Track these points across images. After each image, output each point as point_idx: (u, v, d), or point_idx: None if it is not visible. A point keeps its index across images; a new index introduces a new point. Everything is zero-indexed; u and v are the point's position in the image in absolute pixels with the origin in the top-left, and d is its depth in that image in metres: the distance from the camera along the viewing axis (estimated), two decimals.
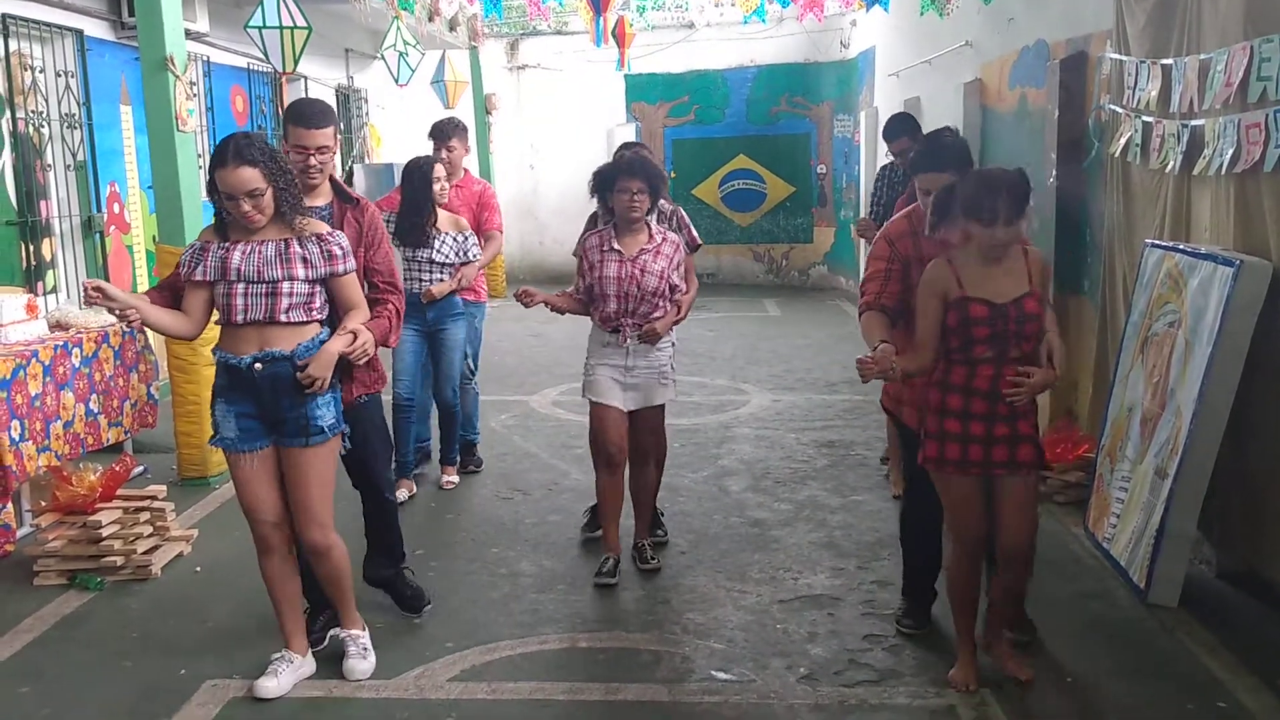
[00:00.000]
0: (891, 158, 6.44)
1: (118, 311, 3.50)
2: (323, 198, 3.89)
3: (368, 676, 3.83)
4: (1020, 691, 3.65)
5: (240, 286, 3.46)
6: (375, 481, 4.18)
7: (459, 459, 6.28)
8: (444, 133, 6.30)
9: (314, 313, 3.55)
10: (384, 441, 4.27)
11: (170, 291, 3.72)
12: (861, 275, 8.31)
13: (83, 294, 3.52)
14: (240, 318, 3.48)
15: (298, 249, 3.49)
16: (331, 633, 4.06)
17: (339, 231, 3.64)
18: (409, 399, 5.92)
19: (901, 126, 6.23)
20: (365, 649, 3.89)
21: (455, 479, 6.15)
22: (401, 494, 5.71)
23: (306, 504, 3.63)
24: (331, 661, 3.93)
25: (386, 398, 4.41)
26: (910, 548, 4.23)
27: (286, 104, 10.81)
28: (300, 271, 3.48)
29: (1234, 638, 4.00)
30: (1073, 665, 3.87)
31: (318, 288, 3.54)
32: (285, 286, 3.46)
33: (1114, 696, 3.67)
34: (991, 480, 3.61)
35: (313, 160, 3.80)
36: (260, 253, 3.47)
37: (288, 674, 3.73)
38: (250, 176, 3.39)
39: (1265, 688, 3.62)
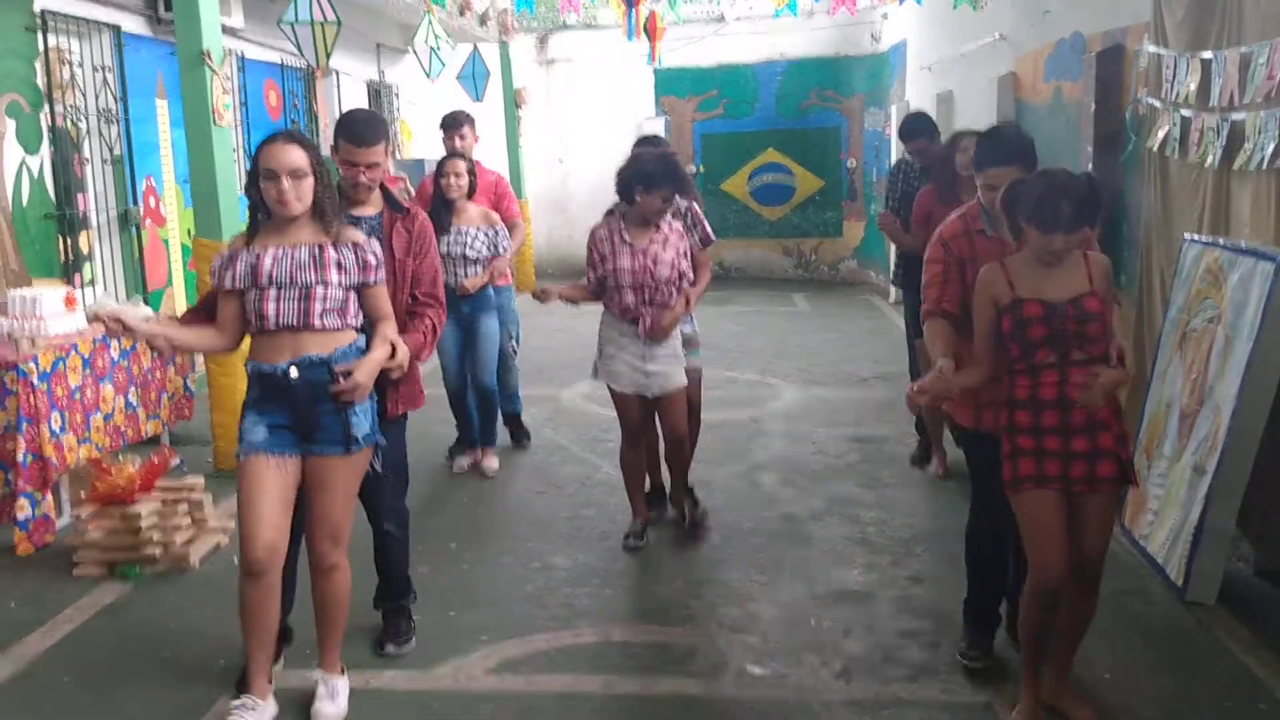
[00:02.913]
0: (905, 158, 6.43)
1: (143, 342, 3.37)
2: (373, 207, 3.84)
3: None
4: None
5: (272, 291, 3.35)
6: (378, 509, 3.95)
7: (510, 434, 6.71)
8: (456, 121, 6.51)
9: (349, 319, 3.44)
10: (398, 469, 3.99)
11: (207, 310, 3.61)
12: (890, 270, 8.25)
13: (105, 327, 3.33)
14: (273, 323, 3.36)
15: (332, 253, 3.39)
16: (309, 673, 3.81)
17: (374, 240, 3.53)
18: (459, 387, 6.25)
19: (919, 127, 6.23)
20: (335, 692, 3.59)
21: (495, 463, 6.30)
22: (466, 462, 6.28)
23: (327, 514, 3.46)
24: (364, 652, 3.96)
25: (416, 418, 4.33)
26: (976, 566, 3.90)
27: (320, 100, 10.89)
28: (334, 276, 3.38)
29: (1273, 635, 3.97)
30: (1109, 662, 3.84)
31: (351, 294, 3.44)
32: (319, 291, 3.36)
33: (1151, 694, 3.65)
34: (1070, 499, 3.32)
35: (362, 178, 3.75)
36: (294, 257, 3.37)
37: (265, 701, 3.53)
38: (298, 156, 3.34)
39: None
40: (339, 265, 3.39)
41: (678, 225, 4.94)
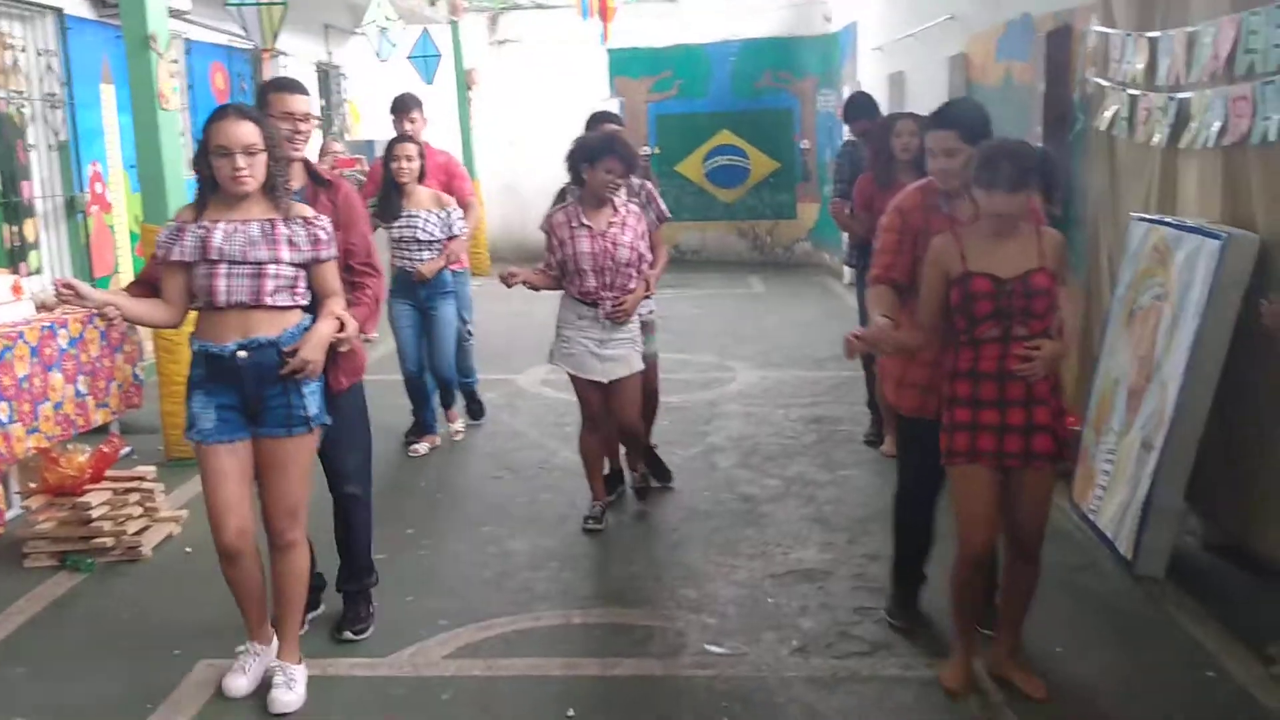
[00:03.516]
0: (853, 139, 6.47)
1: (95, 310, 3.36)
2: (296, 180, 3.74)
3: (293, 708, 3.51)
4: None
5: (223, 267, 3.31)
6: (343, 473, 3.97)
7: (465, 408, 6.80)
8: (404, 105, 6.48)
9: (298, 297, 3.41)
10: (366, 432, 4.05)
11: (149, 285, 3.56)
12: (844, 250, 8.28)
13: (56, 292, 3.37)
14: (223, 300, 3.33)
15: (284, 229, 3.36)
16: (310, 616, 3.97)
17: (324, 216, 3.52)
18: (418, 373, 6.26)
19: (860, 109, 6.27)
20: (292, 680, 3.58)
21: (460, 426, 6.49)
22: (423, 447, 6.26)
23: (282, 493, 3.49)
24: (322, 639, 3.94)
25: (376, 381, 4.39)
26: (902, 533, 4.06)
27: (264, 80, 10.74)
28: (286, 254, 3.35)
29: (1221, 608, 4.05)
30: (1061, 636, 3.91)
31: (302, 272, 3.41)
32: (271, 269, 3.32)
33: (1102, 666, 3.71)
34: (1006, 474, 3.41)
35: (301, 127, 3.73)
36: (244, 232, 3.33)
37: (256, 668, 3.63)
38: (250, 131, 3.30)
39: (1252, 657, 3.67)
40: (290, 242, 3.37)
41: (635, 208, 4.93)
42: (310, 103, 3.83)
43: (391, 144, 5.97)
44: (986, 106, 3.99)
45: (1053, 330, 3.38)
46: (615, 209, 4.81)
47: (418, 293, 5.98)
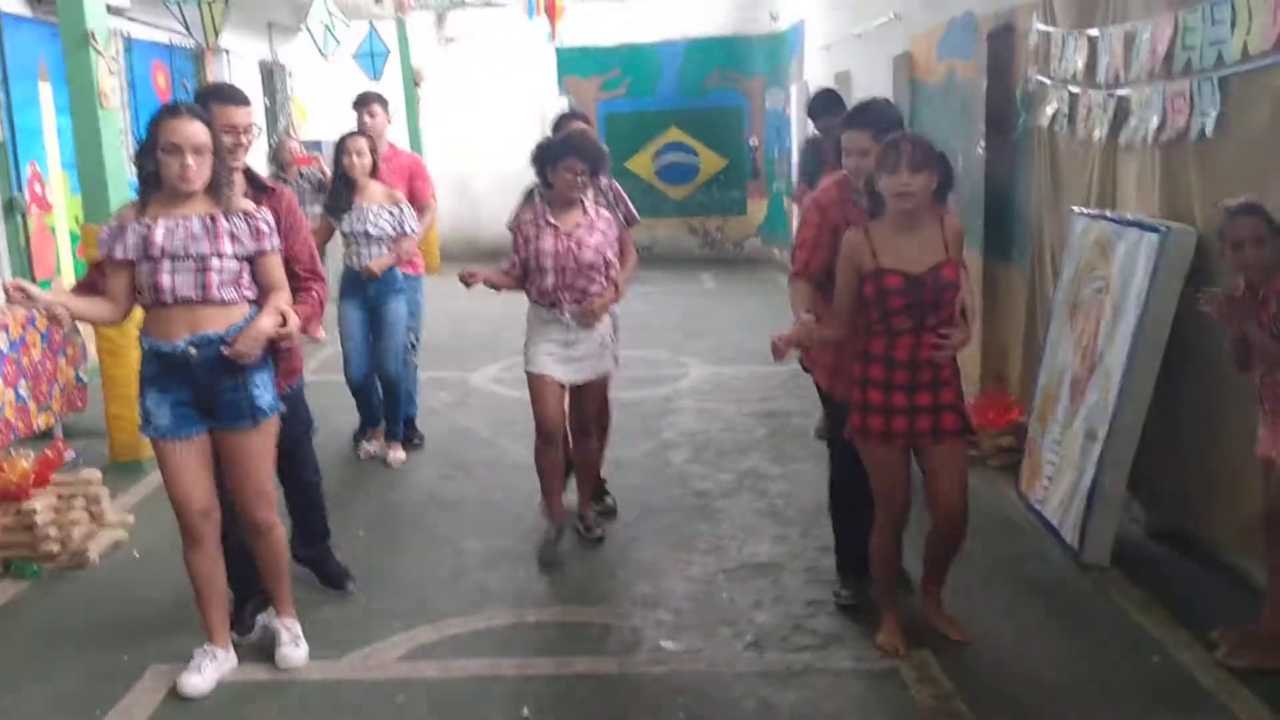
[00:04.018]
0: (816, 135, 6.50)
1: (44, 311, 3.34)
2: (237, 188, 3.71)
3: (301, 664, 3.76)
4: (959, 651, 3.75)
5: (166, 264, 3.33)
6: (297, 466, 4.21)
7: (403, 438, 6.31)
8: (365, 99, 6.41)
9: (244, 291, 3.44)
10: (306, 423, 4.27)
11: (92, 288, 3.59)
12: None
13: (4, 294, 3.38)
14: (169, 297, 3.34)
15: (225, 224, 3.37)
16: (262, 620, 3.96)
17: (264, 209, 3.53)
18: (361, 381, 6.07)
19: (826, 105, 6.29)
20: (298, 637, 3.82)
21: (403, 455, 6.16)
22: (373, 447, 6.19)
23: (254, 483, 3.59)
24: (267, 647, 3.91)
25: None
26: (840, 517, 4.23)
27: (210, 80, 10.60)
28: (228, 247, 3.36)
29: (1165, 594, 4.13)
30: (1009, 624, 3.97)
31: (245, 265, 3.43)
32: (215, 263, 3.34)
33: (1050, 654, 3.77)
34: (918, 450, 3.72)
35: (243, 139, 3.74)
36: (186, 228, 3.34)
37: (211, 669, 3.64)
38: (201, 131, 3.33)
39: (1196, 642, 3.74)
40: (232, 235, 3.38)
41: (606, 213, 4.79)
42: (252, 113, 3.82)
43: (343, 139, 5.89)
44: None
45: (956, 315, 3.59)
46: (584, 211, 4.69)
47: (366, 290, 5.87)
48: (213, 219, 3.37)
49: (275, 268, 3.52)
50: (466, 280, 4.67)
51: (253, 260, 3.44)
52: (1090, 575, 4.33)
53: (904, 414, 3.60)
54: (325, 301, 3.95)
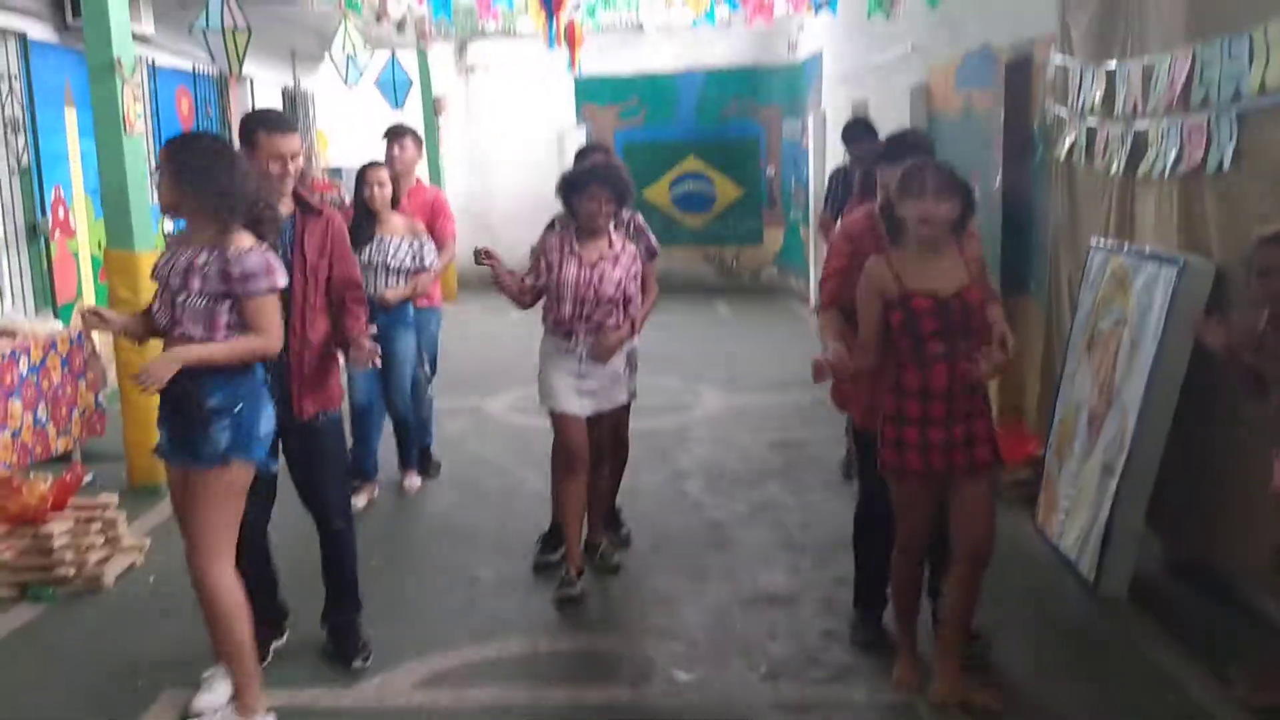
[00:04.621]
0: (848, 159, 6.53)
1: (119, 333, 3.46)
2: (285, 208, 3.75)
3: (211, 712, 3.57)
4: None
5: (159, 291, 3.40)
6: (325, 508, 3.97)
7: (418, 467, 6.28)
8: (398, 131, 6.35)
9: (216, 331, 3.31)
10: (337, 464, 4.04)
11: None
12: (812, 276, 8.34)
13: (82, 319, 3.44)
14: (157, 324, 3.43)
15: (200, 260, 3.30)
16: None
17: (251, 253, 3.32)
18: (367, 405, 5.91)
19: (861, 131, 6.31)
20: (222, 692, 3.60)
21: (418, 480, 6.15)
22: (361, 500, 5.72)
23: (195, 527, 3.40)
24: (288, 669, 3.91)
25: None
26: (864, 553, 4.13)
27: (233, 107, 10.72)
28: (195, 284, 3.29)
29: (1182, 629, 4.10)
30: (1025, 658, 3.94)
31: (222, 304, 3.30)
32: (180, 297, 3.30)
33: (1066, 689, 3.74)
34: (948, 484, 3.54)
35: (290, 168, 3.70)
36: (175, 262, 3.33)
37: (223, 686, 3.61)
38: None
39: (1213, 678, 3.71)
40: (203, 274, 3.29)
41: (632, 248, 4.72)
42: (298, 140, 3.78)
43: (364, 170, 5.88)
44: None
45: (995, 341, 3.47)
46: (610, 243, 4.62)
47: (375, 323, 5.82)
48: (196, 253, 3.31)
49: (254, 313, 3.34)
50: (483, 257, 4.57)
51: (231, 299, 3.31)
52: (1107, 609, 4.30)
53: (941, 449, 3.47)
54: (364, 309, 3.96)
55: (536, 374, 4.73)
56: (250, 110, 5.22)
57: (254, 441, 3.39)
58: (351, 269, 3.91)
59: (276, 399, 3.60)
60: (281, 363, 3.68)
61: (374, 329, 3.97)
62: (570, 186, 4.61)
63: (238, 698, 3.50)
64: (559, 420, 4.63)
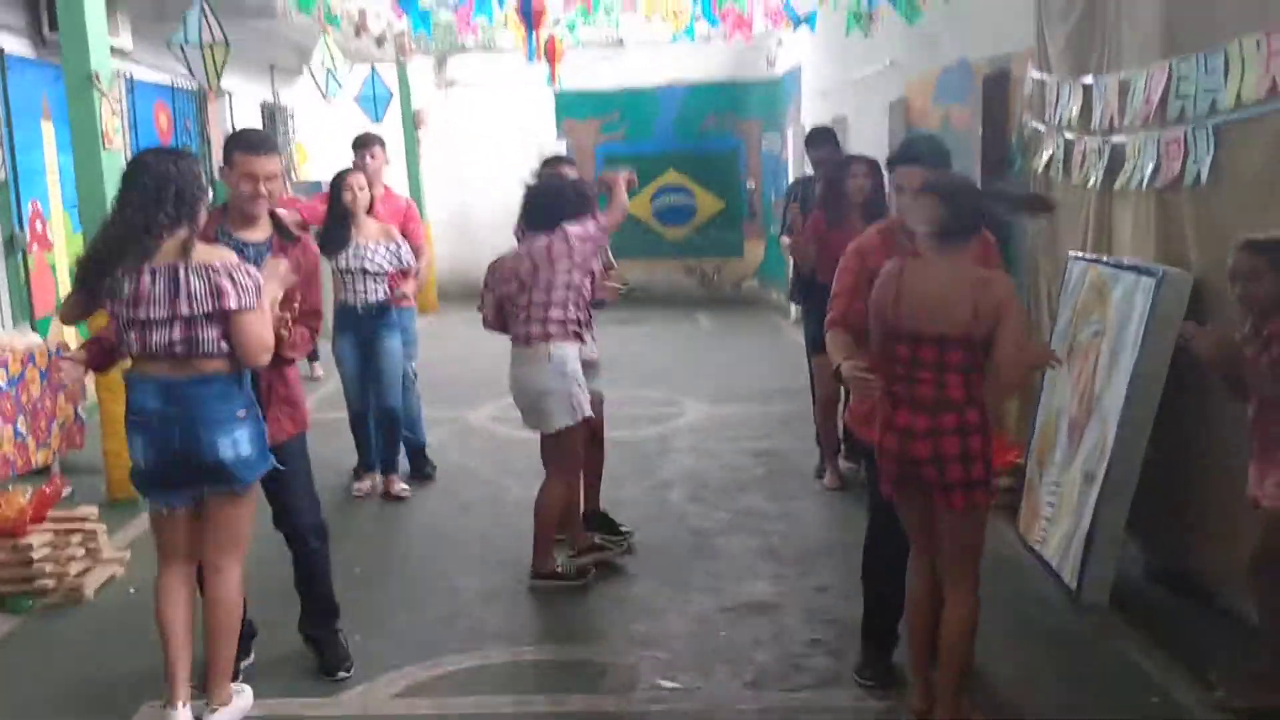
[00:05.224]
0: (809, 172, 6.60)
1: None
2: (262, 232, 3.74)
3: None
4: None
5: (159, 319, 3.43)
6: (301, 528, 3.95)
7: (410, 466, 6.46)
8: (366, 140, 6.49)
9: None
10: (310, 483, 4.01)
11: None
12: (789, 289, 8.35)
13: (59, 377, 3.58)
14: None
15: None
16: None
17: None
18: (360, 408, 6.11)
19: (823, 138, 6.43)
20: None
21: (405, 487, 6.19)
22: (366, 485, 6.11)
23: (225, 546, 3.58)
24: (268, 681, 3.89)
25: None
26: (874, 587, 3.92)
27: (212, 122, 10.69)
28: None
29: (1164, 635, 4.13)
30: (1008, 665, 3.96)
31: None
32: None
33: (1050, 695, 3.77)
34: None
35: (263, 189, 3.66)
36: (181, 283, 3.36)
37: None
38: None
39: (1195, 682, 3.74)
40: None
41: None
42: (276, 162, 3.73)
43: (343, 174, 5.93)
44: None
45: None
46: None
47: (361, 327, 5.91)
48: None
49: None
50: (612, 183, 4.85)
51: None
52: (1089, 617, 4.33)
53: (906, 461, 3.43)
54: (315, 339, 3.96)
55: (576, 390, 4.69)
56: (232, 128, 5.19)
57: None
58: (319, 298, 3.89)
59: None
60: (256, 387, 3.64)
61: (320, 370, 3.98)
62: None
63: (218, 691, 3.55)
64: (579, 428, 4.75)
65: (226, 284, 3.29)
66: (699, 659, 4.07)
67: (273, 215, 3.81)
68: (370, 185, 6.01)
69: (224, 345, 3.35)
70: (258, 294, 3.35)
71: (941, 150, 3.82)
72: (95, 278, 3.36)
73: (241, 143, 3.74)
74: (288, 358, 3.71)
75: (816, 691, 3.80)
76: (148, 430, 3.39)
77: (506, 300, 4.72)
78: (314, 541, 4.00)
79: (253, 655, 4.04)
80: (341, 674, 3.96)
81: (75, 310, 3.56)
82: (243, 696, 3.68)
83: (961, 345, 3.25)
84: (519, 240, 4.90)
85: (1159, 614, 4.34)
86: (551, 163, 5.46)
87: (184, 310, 3.28)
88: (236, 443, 3.37)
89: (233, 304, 3.29)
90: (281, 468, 3.60)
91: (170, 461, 3.39)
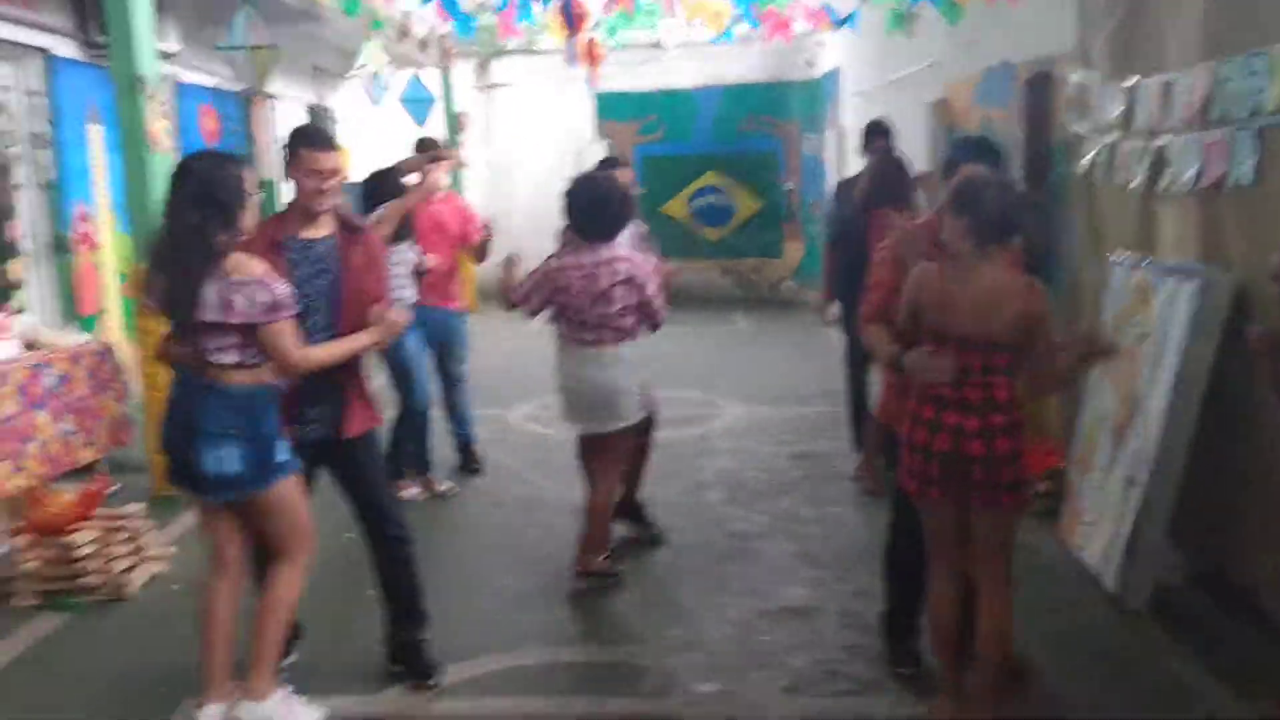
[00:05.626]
0: (849, 176, 6.62)
1: None
2: (326, 228, 3.77)
3: None
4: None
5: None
6: (383, 520, 3.93)
7: (459, 461, 6.66)
8: (425, 147, 6.50)
9: None
10: (384, 476, 4.08)
11: None
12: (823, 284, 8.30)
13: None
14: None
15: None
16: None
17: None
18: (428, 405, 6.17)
19: (880, 130, 6.46)
20: None
21: (445, 484, 6.30)
22: (415, 490, 6.08)
23: (285, 535, 3.63)
24: (309, 679, 3.93)
25: None
26: (892, 579, 4.01)
27: (258, 124, 10.82)
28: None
29: (1205, 642, 4.09)
30: (1049, 671, 3.93)
31: None
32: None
33: (1087, 701, 3.74)
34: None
35: (326, 185, 3.69)
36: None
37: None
38: None
39: (1235, 691, 3.70)
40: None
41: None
42: (338, 158, 3.77)
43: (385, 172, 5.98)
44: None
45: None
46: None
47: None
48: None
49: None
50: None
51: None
52: (1130, 623, 4.29)
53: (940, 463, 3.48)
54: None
55: (636, 386, 4.84)
56: (277, 131, 5.22)
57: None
58: (384, 288, 3.91)
59: (317, 419, 3.73)
60: (330, 383, 3.70)
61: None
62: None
63: (255, 684, 3.54)
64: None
65: (237, 299, 3.32)
66: (736, 663, 4.08)
67: (336, 210, 3.83)
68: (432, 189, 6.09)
69: (229, 357, 3.37)
70: (274, 310, 3.36)
71: (995, 150, 3.89)
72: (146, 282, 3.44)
73: (305, 139, 3.76)
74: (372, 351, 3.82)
75: (853, 697, 3.79)
76: (167, 420, 3.51)
77: (568, 307, 4.76)
78: (401, 541, 3.99)
79: (294, 654, 4.08)
80: (436, 679, 3.94)
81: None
82: (283, 701, 3.66)
83: (1007, 348, 3.31)
84: (563, 243, 4.93)
85: (1200, 621, 4.29)
86: (607, 164, 5.52)
87: (198, 316, 3.34)
88: (221, 459, 3.37)
89: (237, 319, 3.33)
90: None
91: (176, 459, 3.47)
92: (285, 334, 3.41)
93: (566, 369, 4.83)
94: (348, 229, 3.83)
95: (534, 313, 4.86)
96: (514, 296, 4.86)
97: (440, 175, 5.96)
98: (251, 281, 3.34)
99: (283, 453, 3.49)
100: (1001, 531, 3.40)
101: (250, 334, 3.36)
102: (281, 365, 3.43)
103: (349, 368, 3.76)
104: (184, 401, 3.44)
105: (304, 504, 3.63)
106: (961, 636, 3.51)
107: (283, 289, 3.40)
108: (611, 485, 4.92)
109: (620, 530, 5.29)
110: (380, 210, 5.36)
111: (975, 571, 3.45)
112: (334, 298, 3.69)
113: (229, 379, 3.39)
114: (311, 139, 3.76)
